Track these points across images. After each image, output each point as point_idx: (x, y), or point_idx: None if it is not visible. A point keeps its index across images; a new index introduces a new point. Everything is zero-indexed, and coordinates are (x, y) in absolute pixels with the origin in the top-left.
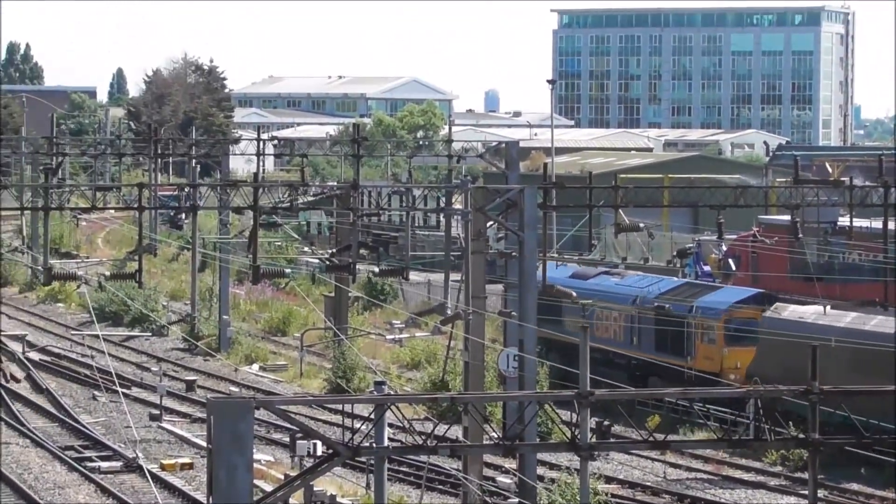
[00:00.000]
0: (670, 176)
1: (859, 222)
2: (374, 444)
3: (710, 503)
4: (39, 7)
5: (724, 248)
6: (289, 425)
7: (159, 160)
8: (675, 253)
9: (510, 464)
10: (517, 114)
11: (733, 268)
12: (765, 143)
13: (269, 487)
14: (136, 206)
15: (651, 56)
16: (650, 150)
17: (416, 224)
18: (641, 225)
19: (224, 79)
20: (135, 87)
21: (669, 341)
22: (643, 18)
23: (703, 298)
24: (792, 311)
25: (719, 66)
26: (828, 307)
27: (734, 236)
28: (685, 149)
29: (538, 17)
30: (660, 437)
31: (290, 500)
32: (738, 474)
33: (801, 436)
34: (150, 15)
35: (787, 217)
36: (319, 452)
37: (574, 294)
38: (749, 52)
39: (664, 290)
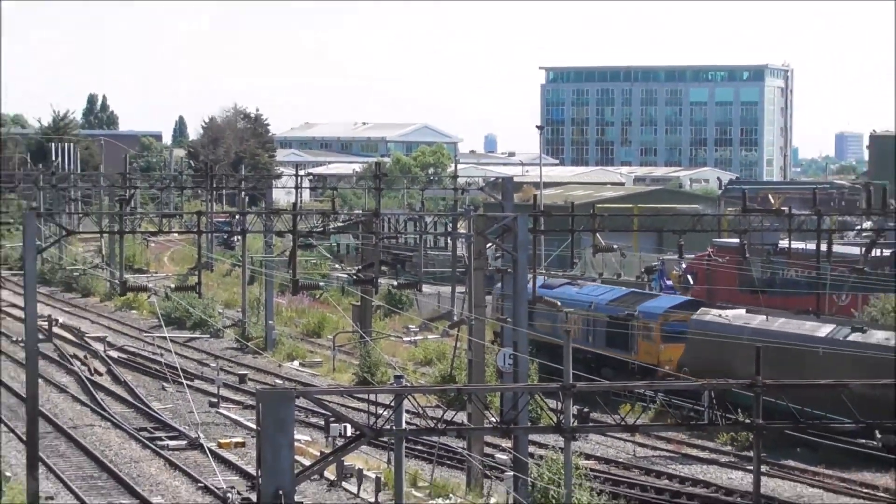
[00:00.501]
0: (639, 206)
1: (797, 244)
2: (394, 427)
3: (671, 476)
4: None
5: (684, 265)
6: (323, 411)
7: (214, 192)
8: (643, 270)
9: (506, 443)
10: (511, 154)
11: (691, 282)
12: (718, 178)
13: (307, 462)
14: (195, 230)
15: (623, 106)
16: (622, 184)
17: (428, 245)
18: (615, 246)
19: (268, 125)
20: (194, 132)
21: (617, 339)
22: (616, 74)
23: (644, 304)
24: (713, 315)
25: (680, 115)
26: (762, 316)
27: (692, 256)
28: (652, 183)
29: (529, 73)
30: (630, 421)
31: (325, 473)
32: (694, 452)
33: (747, 421)
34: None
35: (736, 240)
36: (349, 434)
37: (559, 304)
38: (705, 103)
39: (614, 297)
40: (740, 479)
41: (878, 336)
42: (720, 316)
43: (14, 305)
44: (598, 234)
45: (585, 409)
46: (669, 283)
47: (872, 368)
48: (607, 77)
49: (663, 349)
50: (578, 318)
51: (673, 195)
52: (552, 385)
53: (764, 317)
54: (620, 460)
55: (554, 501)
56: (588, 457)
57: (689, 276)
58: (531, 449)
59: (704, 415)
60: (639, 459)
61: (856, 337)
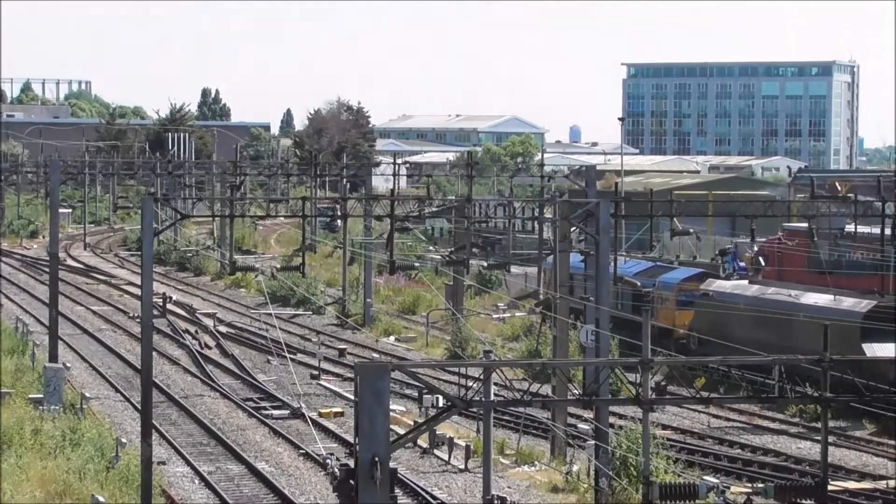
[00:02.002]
0: (714, 192)
1: (862, 228)
2: (483, 398)
3: (744, 445)
4: (228, 60)
5: (756, 248)
6: (417, 383)
7: (318, 179)
8: (717, 252)
9: (588, 414)
10: (594, 144)
11: (763, 264)
12: (788, 167)
13: (401, 431)
14: (300, 214)
15: (699, 99)
16: (698, 172)
17: (516, 229)
18: (691, 230)
19: (368, 116)
20: (300, 123)
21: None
22: (693, 70)
23: (663, 276)
24: (718, 285)
25: (752, 108)
26: (757, 286)
27: (764, 239)
28: (725, 171)
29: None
30: (705, 394)
31: (418, 441)
32: (765, 423)
33: (815, 394)
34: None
35: (805, 224)
36: (440, 404)
37: (638, 284)
38: (776, 96)
39: (639, 270)
40: (809, 449)
41: (847, 302)
42: (723, 286)
43: (132, 283)
44: (675, 219)
45: (663, 382)
46: (742, 265)
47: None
48: (685, 72)
49: (677, 314)
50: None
51: (745, 182)
52: (632, 360)
53: (757, 287)
54: (695, 430)
55: (632, 469)
56: (665, 427)
57: (760, 259)
58: (611, 419)
59: (774, 388)
60: (713, 430)
61: (828, 303)
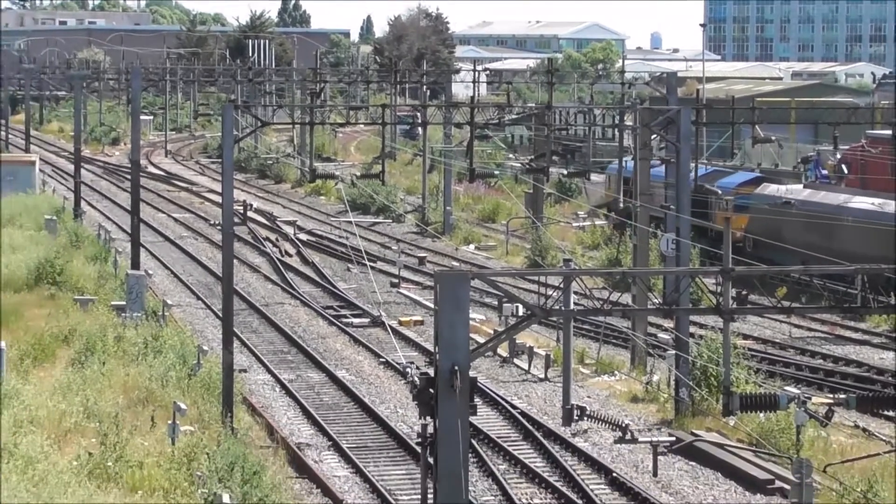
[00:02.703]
0: (796, 99)
1: None
2: (563, 307)
3: (825, 356)
4: None
5: (839, 156)
6: (497, 292)
7: (398, 86)
8: (799, 160)
9: (668, 324)
10: (675, 50)
11: (846, 172)
12: (872, 73)
13: (481, 339)
14: (380, 121)
15: (782, 4)
16: (780, 79)
17: (596, 137)
18: (773, 138)
19: (448, 23)
20: (380, 30)
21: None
22: None
23: (721, 180)
24: (772, 189)
25: (836, 12)
26: (809, 190)
27: (847, 147)
28: (808, 78)
29: None
30: (786, 304)
31: (498, 350)
32: (847, 334)
33: None
34: None
35: (889, 132)
36: (520, 313)
37: (719, 191)
38: (860, 1)
39: (700, 174)
40: (891, 360)
41: (891, 206)
42: (776, 190)
43: (212, 191)
44: (757, 126)
45: (744, 292)
46: (824, 172)
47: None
48: None
49: (736, 218)
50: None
51: (829, 89)
52: (712, 269)
53: (809, 191)
54: (777, 341)
55: (712, 379)
56: (746, 337)
57: (843, 167)
58: (692, 329)
59: (857, 297)
60: (794, 340)
61: (874, 207)
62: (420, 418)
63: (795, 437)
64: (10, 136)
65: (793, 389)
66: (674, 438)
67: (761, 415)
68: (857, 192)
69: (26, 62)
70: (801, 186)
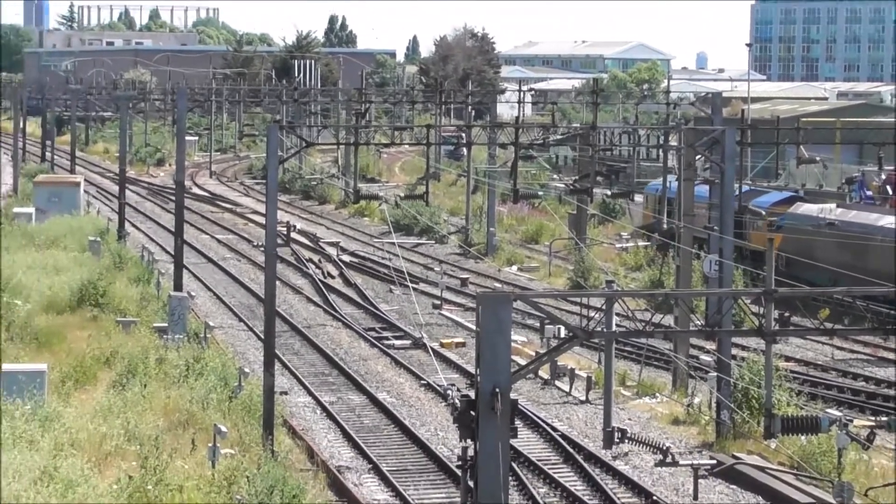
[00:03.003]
0: (842, 119)
1: None
2: (605, 329)
3: (868, 378)
4: None
5: (884, 176)
6: (539, 313)
7: (443, 106)
8: (843, 181)
9: (710, 345)
10: (721, 70)
11: (890, 192)
12: None
13: (523, 361)
14: (424, 142)
15: (828, 24)
16: (826, 99)
17: (641, 157)
18: (818, 158)
19: (494, 43)
20: (426, 50)
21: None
22: None
23: (756, 199)
24: (805, 208)
25: (882, 32)
26: (842, 209)
27: (892, 168)
28: (854, 98)
29: None
30: (828, 325)
31: (540, 372)
32: (889, 356)
33: None
34: None
35: None
36: (562, 335)
37: (763, 212)
38: None
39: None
40: None
41: None
42: (809, 210)
43: (256, 212)
44: (801, 147)
45: (786, 314)
46: (869, 193)
47: None
48: None
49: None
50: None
51: (875, 109)
52: (755, 290)
53: (841, 210)
54: (819, 363)
55: (755, 401)
56: (788, 359)
57: (888, 187)
58: (734, 351)
59: None
60: (836, 362)
61: None
62: (460, 441)
63: (837, 460)
64: (55, 156)
65: (835, 412)
66: (715, 461)
67: (803, 437)
68: (888, 212)
69: (73, 83)
70: (834, 205)
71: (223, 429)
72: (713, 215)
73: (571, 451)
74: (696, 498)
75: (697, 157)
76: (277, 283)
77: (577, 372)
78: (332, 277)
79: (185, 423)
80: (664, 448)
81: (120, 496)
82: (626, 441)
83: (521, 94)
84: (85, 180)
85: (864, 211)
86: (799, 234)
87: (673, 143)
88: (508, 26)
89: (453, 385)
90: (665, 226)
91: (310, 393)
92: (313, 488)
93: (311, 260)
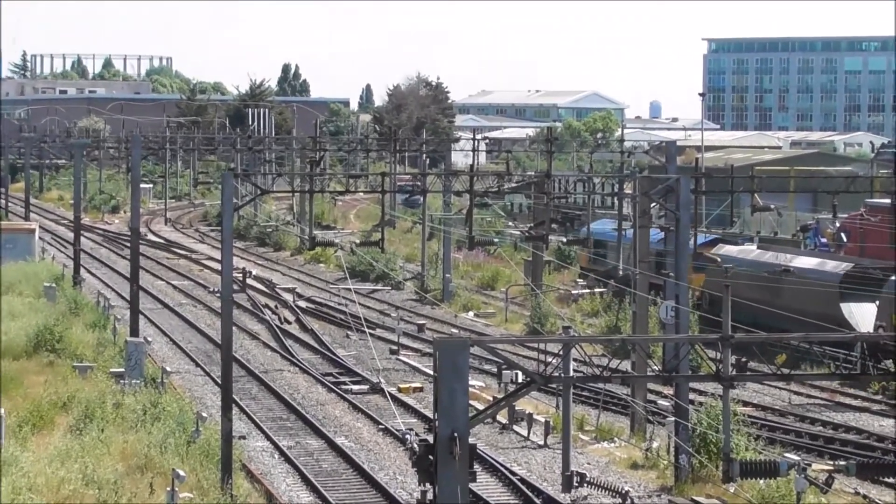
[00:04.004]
0: (795, 168)
1: None
2: (563, 374)
3: (825, 423)
4: (307, 37)
5: (838, 224)
6: (496, 359)
7: (397, 155)
8: (798, 228)
9: (668, 391)
10: (675, 119)
11: (844, 240)
12: (871, 142)
13: (481, 406)
14: (379, 190)
15: (780, 74)
16: (780, 147)
17: (596, 205)
18: (772, 206)
19: (448, 92)
20: (379, 99)
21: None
22: (774, 45)
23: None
24: (726, 250)
25: (835, 82)
26: (759, 251)
27: (846, 215)
28: (807, 147)
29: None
30: (786, 371)
31: (498, 416)
32: (847, 401)
33: None
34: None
35: (888, 200)
36: (520, 380)
37: (718, 260)
38: (859, 71)
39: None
40: (891, 426)
41: (830, 265)
42: (729, 251)
43: (212, 258)
44: (756, 195)
45: (743, 359)
46: (824, 240)
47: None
48: (766, 47)
49: (694, 277)
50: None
51: (828, 158)
52: (712, 336)
53: (758, 251)
54: (776, 407)
55: (713, 445)
56: (745, 404)
57: (842, 235)
58: (691, 396)
59: (857, 364)
60: (794, 407)
61: (814, 266)
62: (420, 485)
63: None
64: (10, 203)
65: (793, 456)
66: None
67: (762, 481)
68: (801, 254)
69: (27, 131)
70: (753, 247)
71: (181, 473)
72: (669, 262)
73: (531, 495)
74: None
75: (652, 204)
76: (234, 328)
77: (535, 416)
78: (289, 323)
79: (144, 467)
80: (623, 492)
81: None
82: (585, 485)
83: (476, 142)
84: (40, 227)
85: (781, 253)
86: (718, 275)
87: (628, 190)
88: (462, 75)
89: (412, 430)
90: (621, 272)
91: (268, 437)
92: None
93: (267, 306)
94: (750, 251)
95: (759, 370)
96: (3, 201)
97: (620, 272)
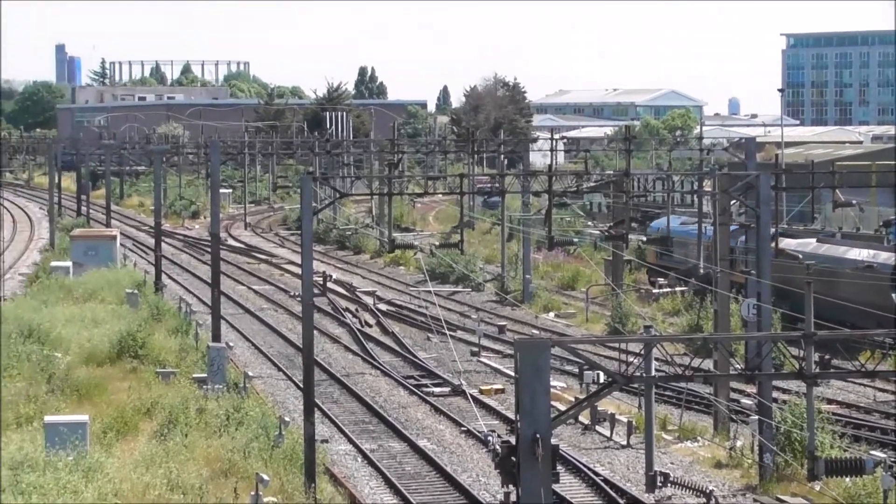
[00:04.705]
0: (877, 163)
1: None
2: (644, 374)
3: None
4: (383, 39)
5: None
6: (577, 359)
7: (475, 156)
8: (880, 223)
9: (751, 389)
10: (754, 116)
11: None
12: None
13: (562, 407)
14: (458, 191)
15: (860, 68)
16: (860, 142)
17: (675, 203)
18: (854, 201)
19: (525, 92)
20: (457, 100)
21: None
22: (854, 39)
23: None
24: (786, 243)
25: None
26: (818, 243)
27: None
28: (889, 141)
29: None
30: (870, 367)
31: (580, 417)
32: None
33: None
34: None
35: None
36: (601, 380)
37: (800, 257)
38: None
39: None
40: None
41: (882, 256)
42: (789, 244)
43: (292, 262)
44: (837, 190)
45: (827, 356)
46: None
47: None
48: (845, 41)
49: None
50: (686, 244)
51: None
52: (794, 333)
53: (816, 244)
54: (861, 405)
55: (797, 444)
56: (829, 401)
57: None
58: (775, 394)
59: None
60: (879, 404)
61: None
62: (503, 486)
63: (882, 502)
64: (91, 210)
65: (879, 454)
66: None
67: (847, 480)
68: (860, 244)
69: (107, 138)
70: (813, 241)
71: (265, 477)
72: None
73: (614, 495)
74: None
75: (732, 202)
76: (315, 332)
77: (617, 417)
78: (370, 326)
79: (227, 472)
80: (707, 491)
81: None
82: (669, 485)
83: (554, 142)
84: (121, 233)
85: (835, 244)
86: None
87: (707, 188)
88: (539, 75)
89: (493, 431)
90: (701, 270)
91: (351, 441)
92: None
93: (347, 309)
94: (808, 244)
95: (843, 367)
96: (84, 208)
97: (701, 270)
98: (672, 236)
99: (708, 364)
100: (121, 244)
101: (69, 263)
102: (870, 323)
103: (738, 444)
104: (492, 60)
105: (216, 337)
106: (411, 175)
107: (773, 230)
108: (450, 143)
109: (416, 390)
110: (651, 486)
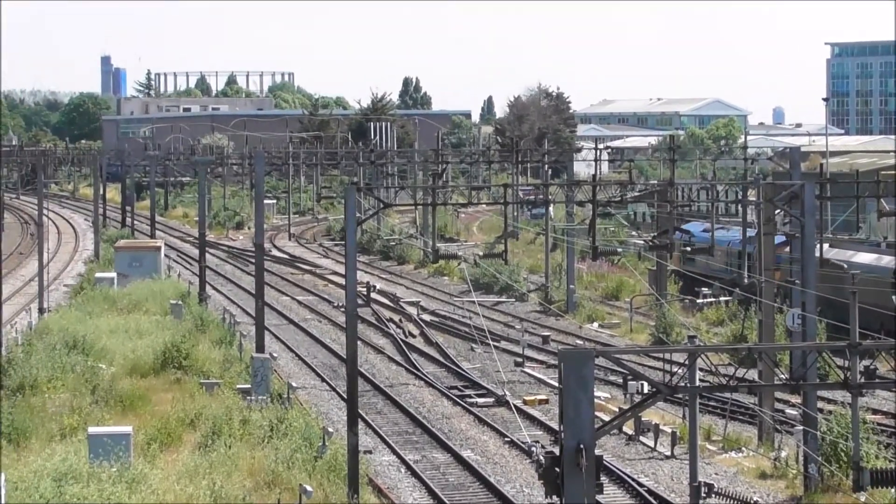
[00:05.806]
0: None
1: None
2: (688, 384)
3: None
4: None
5: None
6: (621, 370)
7: (520, 166)
8: None
9: (795, 399)
10: (798, 125)
11: None
12: None
13: (606, 418)
14: (502, 201)
15: None
16: None
17: (720, 213)
18: None
19: (569, 102)
20: (500, 110)
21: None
22: None
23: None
24: (832, 254)
25: None
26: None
27: None
28: None
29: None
30: None
31: (624, 427)
32: None
33: None
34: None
35: None
36: (645, 391)
37: (845, 266)
38: None
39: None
40: None
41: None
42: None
43: (336, 273)
44: (882, 200)
45: (872, 366)
46: None
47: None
48: (891, 50)
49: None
50: (723, 252)
51: None
52: (839, 343)
53: (861, 253)
54: None
55: (842, 454)
56: (875, 411)
57: None
58: (820, 404)
59: None
60: None
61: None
62: (546, 497)
63: None
64: (136, 221)
65: None
66: None
67: (893, 490)
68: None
69: (151, 149)
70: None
71: (309, 488)
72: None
73: None
74: None
75: (777, 211)
76: (359, 342)
77: (661, 427)
78: (413, 336)
79: (271, 483)
80: (752, 502)
81: None
82: (714, 496)
83: (598, 152)
84: (165, 244)
85: (884, 255)
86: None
87: (751, 198)
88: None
89: (537, 442)
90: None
91: (394, 452)
92: None
93: (391, 320)
94: (852, 254)
95: (888, 377)
96: (129, 219)
97: (745, 280)
98: (696, 243)
99: (752, 374)
100: (165, 255)
101: (114, 274)
102: None
103: (783, 454)
104: (536, 70)
105: (260, 348)
106: (455, 185)
107: (817, 240)
108: (494, 153)
109: (460, 401)
110: (695, 497)
